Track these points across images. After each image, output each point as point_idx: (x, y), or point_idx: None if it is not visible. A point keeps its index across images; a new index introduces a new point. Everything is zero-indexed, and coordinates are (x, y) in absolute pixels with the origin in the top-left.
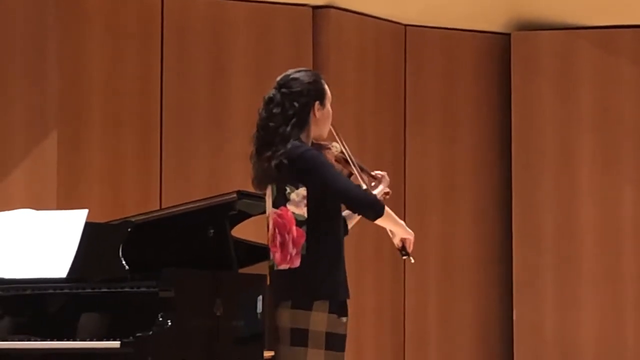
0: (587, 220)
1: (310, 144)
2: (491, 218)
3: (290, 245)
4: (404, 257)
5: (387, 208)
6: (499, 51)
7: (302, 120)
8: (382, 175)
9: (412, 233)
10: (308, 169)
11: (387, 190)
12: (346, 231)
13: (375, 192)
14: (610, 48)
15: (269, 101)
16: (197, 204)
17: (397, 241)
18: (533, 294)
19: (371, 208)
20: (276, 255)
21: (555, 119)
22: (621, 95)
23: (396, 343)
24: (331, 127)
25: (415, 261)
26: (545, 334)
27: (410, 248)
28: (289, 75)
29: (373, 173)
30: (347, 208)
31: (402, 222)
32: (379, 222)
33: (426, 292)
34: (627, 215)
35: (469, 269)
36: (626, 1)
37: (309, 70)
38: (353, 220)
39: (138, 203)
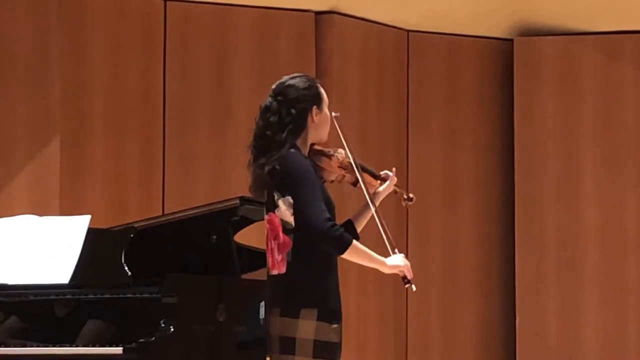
0: (590, 225)
1: (307, 150)
2: (494, 223)
3: (276, 251)
4: (406, 286)
5: (358, 245)
6: (501, 57)
7: (299, 127)
8: (387, 174)
9: (400, 263)
10: (291, 185)
11: (411, 196)
12: (356, 236)
13: (381, 188)
14: (613, 54)
15: (266, 110)
16: (200, 210)
17: (385, 271)
18: (536, 299)
19: (332, 243)
20: (268, 260)
21: (558, 124)
22: (624, 101)
23: (399, 349)
24: (339, 134)
25: (416, 289)
26: (548, 339)
27: (409, 276)
28: (284, 82)
29: (381, 173)
30: (310, 241)
31: (381, 258)
32: (349, 258)
33: (428, 297)
34: (630, 220)
35: (471, 274)
36: (629, 7)
37: (304, 76)
38: (362, 223)
39: (141, 208)
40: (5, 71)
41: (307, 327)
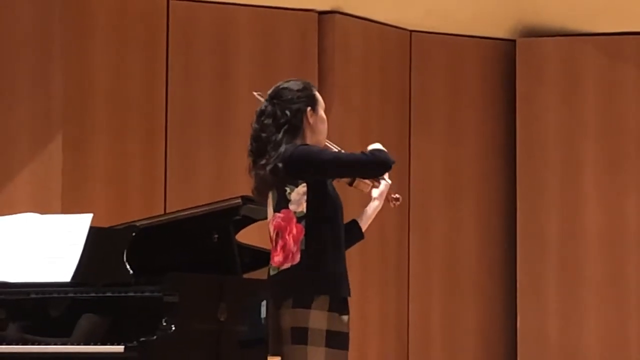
0: (592, 226)
1: None
2: (495, 223)
3: (292, 243)
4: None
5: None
6: (503, 57)
7: (295, 127)
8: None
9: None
10: (305, 160)
11: (397, 196)
12: (361, 235)
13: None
14: (615, 55)
15: (261, 113)
16: (202, 209)
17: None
18: (537, 300)
19: (381, 164)
20: (276, 258)
21: (560, 125)
22: (626, 102)
23: (400, 349)
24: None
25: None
26: (549, 340)
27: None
28: (278, 86)
29: None
30: (360, 176)
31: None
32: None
33: (430, 297)
34: (632, 222)
35: (473, 274)
36: (631, 8)
37: (299, 80)
38: (367, 222)
39: (143, 207)
40: (7, 69)
41: (318, 317)
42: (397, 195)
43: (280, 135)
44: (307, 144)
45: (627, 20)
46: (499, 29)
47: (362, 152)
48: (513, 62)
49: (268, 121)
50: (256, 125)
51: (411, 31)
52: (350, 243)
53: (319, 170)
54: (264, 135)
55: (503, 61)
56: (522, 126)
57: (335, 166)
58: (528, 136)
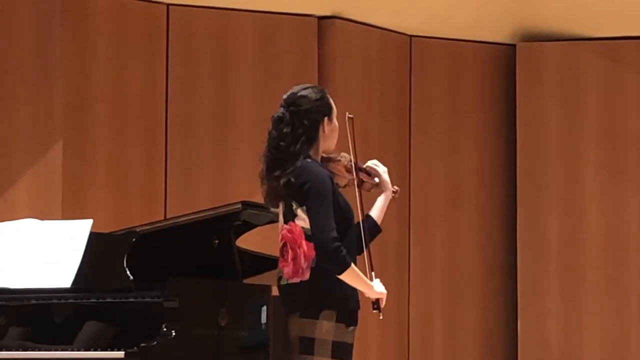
0: (593, 230)
1: (320, 158)
2: (496, 228)
3: (302, 259)
4: (374, 311)
5: (355, 269)
6: (504, 62)
7: (312, 137)
8: (371, 166)
9: (384, 291)
10: (306, 196)
11: (396, 188)
12: (379, 229)
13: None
14: (616, 59)
15: (279, 120)
16: (202, 214)
17: (371, 296)
18: (538, 305)
19: (332, 262)
20: (285, 269)
21: (561, 129)
22: (626, 106)
23: (401, 354)
24: (348, 135)
25: (382, 318)
26: (550, 344)
27: (382, 304)
28: (295, 93)
29: (365, 166)
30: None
31: (370, 282)
32: (342, 278)
33: (431, 301)
34: (633, 226)
35: (473, 279)
36: (631, 13)
37: (315, 87)
38: (380, 213)
39: (143, 212)
40: (8, 75)
41: (325, 328)
42: (396, 188)
43: (298, 146)
44: (323, 185)
45: (627, 25)
46: (499, 34)
47: (334, 239)
48: (513, 67)
49: (287, 130)
50: (274, 133)
51: (411, 36)
52: (369, 239)
53: (308, 214)
54: (282, 144)
55: (503, 66)
56: (523, 130)
57: (314, 227)
58: (528, 140)
